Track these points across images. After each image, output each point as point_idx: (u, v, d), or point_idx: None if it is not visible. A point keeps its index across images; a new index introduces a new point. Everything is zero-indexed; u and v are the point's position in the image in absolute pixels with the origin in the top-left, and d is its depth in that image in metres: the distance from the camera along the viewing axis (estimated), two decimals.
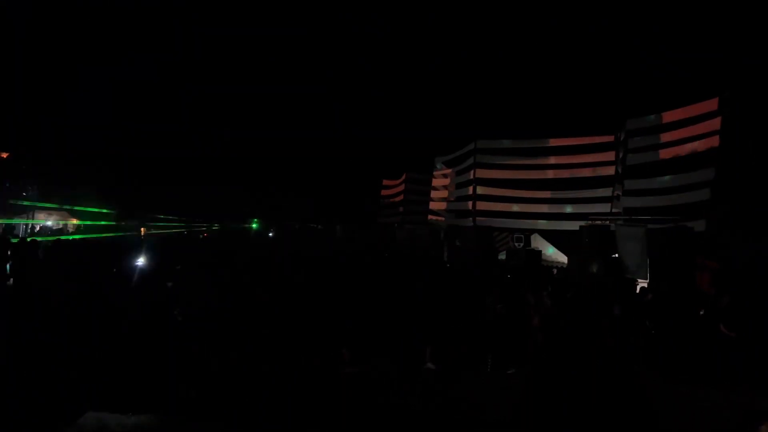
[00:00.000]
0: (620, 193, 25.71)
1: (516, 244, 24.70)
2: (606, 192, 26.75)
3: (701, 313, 13.86)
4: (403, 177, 42.32)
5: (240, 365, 9.07)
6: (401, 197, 42.01)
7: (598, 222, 20.56)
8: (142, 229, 43.79)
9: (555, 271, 23.22)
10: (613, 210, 25.59)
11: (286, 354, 10.06)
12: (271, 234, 55.71)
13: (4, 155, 39.46)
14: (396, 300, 12.64)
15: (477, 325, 11.90)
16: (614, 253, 19.30)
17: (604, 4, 24.76)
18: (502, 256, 26.20)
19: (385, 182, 46.03)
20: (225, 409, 7.49)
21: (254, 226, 57.09)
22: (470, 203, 31.46)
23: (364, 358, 11.36)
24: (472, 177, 31.28)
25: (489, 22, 30.28)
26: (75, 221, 41.94)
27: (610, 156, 27.53)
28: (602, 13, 25.35)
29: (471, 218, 30.83)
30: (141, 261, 14.46)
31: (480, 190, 30.97)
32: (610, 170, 27.37)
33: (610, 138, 27.48)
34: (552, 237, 28.62)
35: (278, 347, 10.11)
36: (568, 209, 27.87)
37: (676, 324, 12.92)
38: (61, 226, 35.51)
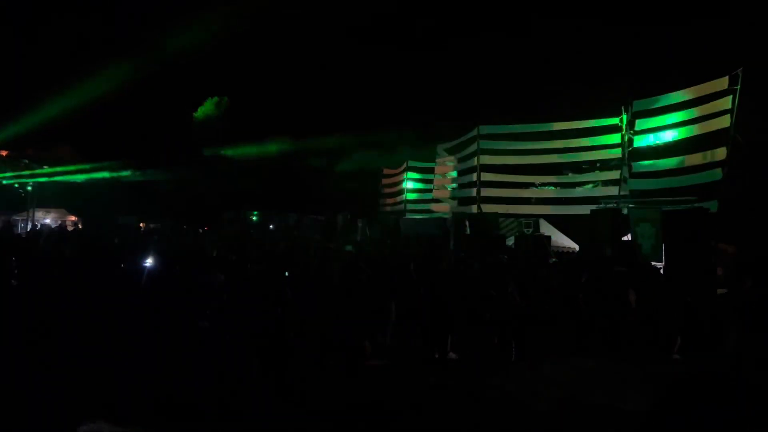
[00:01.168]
0: (627, 176, 25.46)
1: (525, 230, 24.42)
2: (614, 175, 26.48)
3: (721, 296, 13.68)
4: (404, 165, 41.95)
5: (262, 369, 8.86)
6: (402, 186, 41.69)
7: (610, 205, 20.30)
8: (141, 224, 43.47)
9: (554, 258, 22.99)
10: (621, 193, 25.32)
11: (309, 350, 9.84)
12: (271, 227, 55.38)
13: (4, 153, 39.04)
14: (412, 291, 12.44)
15: (496, 313, 11.69)
16: (626, 237, 19.08)
17: None
18: (510, 241, 25.94)
19: (386, 171, 45.62)
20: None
21: (254, 218, 56.62)
22: (474, 190, 31.16)
23: (387, 351, 11.16)
24: (475, 163, 30.96)
25: (489, 4, 29.85)
26: (73, 218, 41.69)
27: (615, 138, 27.23)
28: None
29: (476, 205, 30.53)
30: (148, 261, 13.95)
31: (484, 176, 30.67)
32: (617, 153, 27.09)
33: (615, 120, 27.16)
34: (559, 222, 28.40)
35: (301, 343, 9.89)
36: (576, 193, 27.62)
37: (699, 308, 12.73)
38: (59, 224, 35.19)
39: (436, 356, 11.23)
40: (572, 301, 12.34)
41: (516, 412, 8.18)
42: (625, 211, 19.44)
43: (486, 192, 30.48)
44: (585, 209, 26.54)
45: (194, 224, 46.83)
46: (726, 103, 19.71)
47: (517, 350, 11.18)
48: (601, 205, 20.59)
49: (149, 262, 13.51)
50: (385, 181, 45.14)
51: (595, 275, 12.97)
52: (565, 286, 12.74)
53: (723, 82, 20.01)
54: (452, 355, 11.26)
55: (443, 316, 11.35)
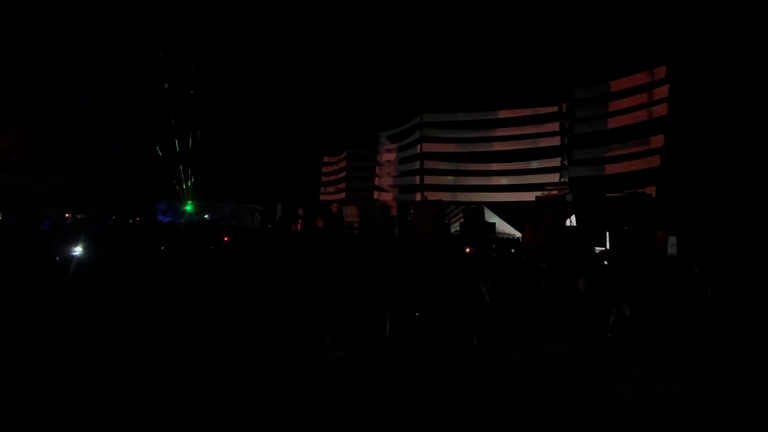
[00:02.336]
0: (567, 163, 25.95)
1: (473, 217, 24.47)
2: (554, 162, 26.91)
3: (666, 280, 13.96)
4: (345, 153, 41.53)
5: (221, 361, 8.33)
6: (344, 174, 41.24)
7: (554, 192, 20.58)
8: (67, 215, 41.59)
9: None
10: (562, 180, 25.78)
11: (265, 342, 9.35)
12: (207, 216, 53.75)
13: None
14: (368, 279, 12.09)
15: (462, 302, 11.49)
16: (570, 223, 19.40)
17: None
18: (455, 228, 26.01)
19: (326, 159, 45.07)
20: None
21: (188, 209, 54.80)
22: (417, 178, 31.09)
23: (348, 342, 10.77)
24: (418, 151, 30.88)
25: None
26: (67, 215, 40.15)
27: (554, 126, 27.70)
28: None
29: (419, 193, 30.47)
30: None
31: (427, 164, 30.63)
32: (556, 140, 27.56)
33: (555, 108, 27.62)
34: (500, 209, 28.66)
35: (258, 335, 9.38)
36: (516, 180, 27.94)
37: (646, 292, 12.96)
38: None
39: (403, 346, 10.93)
40: (535, 288, 12.32)
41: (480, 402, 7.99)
42: (569, 198, 19.70)
43: (429, 180, 30.45)
44: (528, 196, 26.98)
45: (125, 215, 44.94)
46: (664, 91, 20.25)
47: (479, 336, 11.02)
48: (545, 192, 20.77)
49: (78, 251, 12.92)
50: (325, 168, 44.59)
51: (553, 263, 13.02)
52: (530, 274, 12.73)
53: (661, 71, 20.56)
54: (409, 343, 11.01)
55: (409, 304, 11.06)
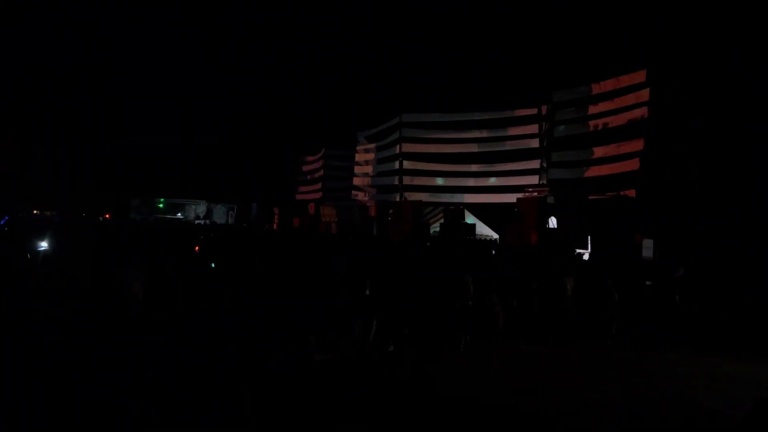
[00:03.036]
0: (546, 165, 26.01)
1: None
2: (533, 164, 26.95)
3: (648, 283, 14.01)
4: (322, 152, 41.16)
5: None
6: (321, 173, 40.87)
7: (535, 194, 20.55)
8: (35, 210, 40.71)
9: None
10: (541, 182, 25.82)
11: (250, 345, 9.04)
12: (180, 215, 52.92)
13: None
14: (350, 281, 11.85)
15: (449, 307, 11.30)
16: (551, 225, 19.39)
17: None
18: (435, 229, 25.91)
19: (302, 158, 44.66)
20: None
21: (160, 206, 53.90)
22: (396, 178, 30.91)
23: (332, 345, 10.51)
24: (398, 151, 30.70)
25: None
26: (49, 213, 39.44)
27: (534, 129, 27.74)
28: None
29: (398, 193, 30.29)
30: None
31: (406, 164, 30.47)
32: (535, 143, 27.60)
33: (534, 111, 27.65)
34: (478, 211, 28.63)
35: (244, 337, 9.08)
36: (497, 182, 27.93)
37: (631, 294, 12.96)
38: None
39: (390, 349, 10.70)
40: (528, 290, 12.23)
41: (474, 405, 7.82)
42: (550, 200, 19.69)
43: (408, 180, 30.29)
44: (507, 198, 26.97)
45: (94, 211, 43.98)
46: (644, 95, 20.36)
47: (470, 339, 10.85)
48: (526, 194, 20.73)
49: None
50: (304, 167, 44.17)
51: (538, 264, 12.96)
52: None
53: (641, 75, 20.67)
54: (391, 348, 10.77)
55: (399, 306, 10.84)
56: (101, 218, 42.34)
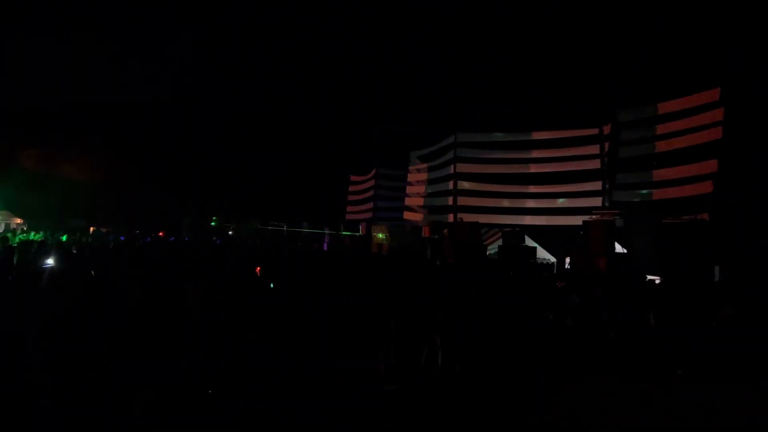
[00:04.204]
0: (608, 187, 25.14)
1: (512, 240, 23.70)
2: (596, 186, 26.08)
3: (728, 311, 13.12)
4: (373, 172, 41.00)
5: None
6: (371, 193, 40.66)
7: (603, 216, 19.73)
8: (91, 228, 41.35)
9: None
10: (605, 204, 24.94)
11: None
12: (230, 233, 53.48)
13: None
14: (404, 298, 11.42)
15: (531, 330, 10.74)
16: (619, 249, 18.56)
17: None
18: (493, 249, 25.31)
19: (353, 178, 44.59)
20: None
21: (213, 224, 54.68)
22: (450, 198, 30.42)
23: (404, 375, 10.03)
24: (452, 171, 30.24)
25: (465, 11, 29.18)
26: (19, 220, 39.50)
27: (595, 149, 26.95)
28: (588, 4, 24.52)
29: (452, 214, 29.77)
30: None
31: (461, 184, 29.97)
32: (596, 164, 26.78)
33: (595, 131, 26.88)
34: (534, 233, 27.87)
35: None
36: (558, 203, 27.15)
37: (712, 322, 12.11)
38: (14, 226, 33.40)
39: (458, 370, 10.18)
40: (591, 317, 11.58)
41: None
42: (619, 223, 18.88)
43: (463, 201, 29.75)
44: (566, 220, 26.17)
45: (148, 229, 44.68)
46: (718, 114, 19.45)
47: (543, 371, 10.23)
48: (593, 217, 19.93)
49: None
50: (352, 188, 44.08)
51: (608, 291, 12.25)
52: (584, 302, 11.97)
53: (714, 94, 19.78)
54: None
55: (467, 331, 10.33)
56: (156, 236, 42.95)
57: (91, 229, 41.71)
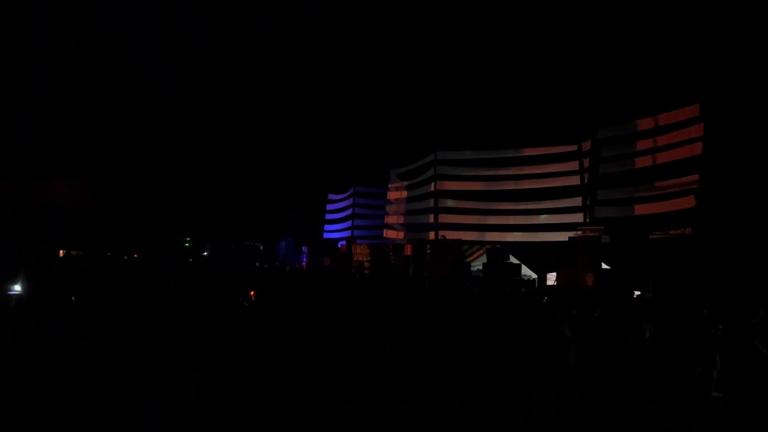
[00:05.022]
0: (589, 203, 25.27)
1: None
2: (576, 202, 26.18)
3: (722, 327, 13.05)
4: (351, 191, 40.77)
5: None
6: (350, 212, 40.39)
7: (588, 233, 19.69)
8: (61, 251, 40.07)
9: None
10: (586, 220, 25.02)
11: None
12: (205, 254, 52.60)
13: None
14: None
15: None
16: (606, 265, 18.55)
17: (569, 11, 24.20)
18: (476, 266, 25.26)
19: (331, 196, 44.28)
20: None
21: (186, 245, 53.78)
22: (432, 216, 30.28)
23: (410, 393, 9.66)
24: (433, 189, 30.15)
25: (445, 28, 29.36)
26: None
27: (574, 166, 27.08)
28: (566, 23, 24.81)
29: (433, 232, 29.62)
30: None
31: (441, 202, 29.87)
32: (576, 180, 26.90)
33: (573, 147, 27.04)
34: (515, 250, 27.83)
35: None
36: (539, 220, 27.18)
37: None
38: None
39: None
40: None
41: None
42: (605, 239, 18.88)
43: (444, 218, 29.64)
44: (547, 236, 26.19)
45: (123, 251, 43.54)
46: (698, 130, 19.70)
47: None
48: (578, 232, 19.91)
49: None
50: (330, 206, 43.75)
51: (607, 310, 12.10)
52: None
53: (694, 110, 20.03)
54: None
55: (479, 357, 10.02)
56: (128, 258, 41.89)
57: (61, 252, 40.51)
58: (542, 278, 25.97)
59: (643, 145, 22.22)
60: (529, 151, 28.59)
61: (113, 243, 42.59)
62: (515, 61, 28.15)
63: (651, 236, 16.87)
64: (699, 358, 10.68)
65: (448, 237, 27.01)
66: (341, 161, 43.28)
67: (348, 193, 41.15)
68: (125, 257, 42.14)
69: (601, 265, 18.17)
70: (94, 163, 44.58)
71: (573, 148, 27.12)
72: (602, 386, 9.90)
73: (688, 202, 19.73)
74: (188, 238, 52.34)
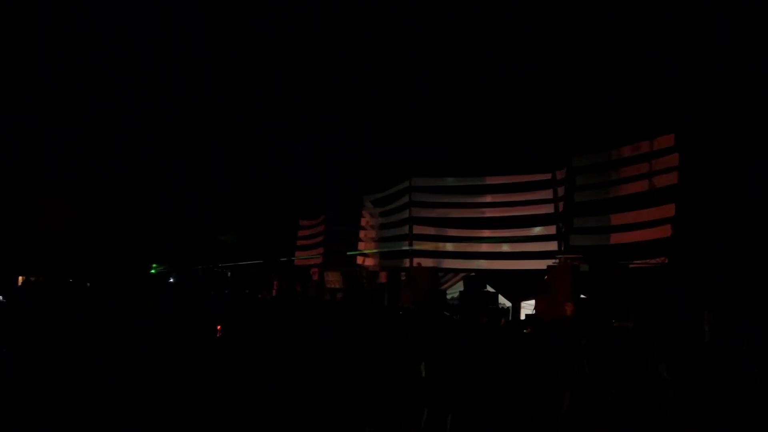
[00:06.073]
0: (564, 231, 25.25)
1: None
2: (550, 230, 26.16)
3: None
4: (323, 216, 40.24)
5: None
6: (322, 238, 39.80)
7: (567, 261, 19.58)
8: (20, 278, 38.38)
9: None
10: (561, 248, 24.96)
11: None
12: (171, 280, 51.20)
13: None
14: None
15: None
16: (584, 294, 18.41)
17: (543, 34, 24.42)
18: (452, 293, 24.99)
19: (302, 222, 43.65)
20: None
21: (153, 271, 52.32)
22: (406, 243, 29.97)
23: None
24: (408, 216, 29.89)
25: (417, 55, 29.33)
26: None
27: (548, 194, 27.11)
28: (540, 47, 24.99)
29: (408, 259, 29.28)
30: None
31: (417, 229, 29.62)
32: (549, 208, 26.91)
33: (548, 176, 27.10)
34: (491, 279, 27.68)
35: None
36: (512, 248, 27.05)
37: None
38: None
39: None
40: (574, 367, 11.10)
41: None
42: (584, 268, 18.76)
43: (419, 245, 29.34)
44: (522, 264, 26.08)
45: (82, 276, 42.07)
46: (674, 160, 19.86)
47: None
48: (558, 260, 19.80)
49: None
50: (301, 232, 43.08)
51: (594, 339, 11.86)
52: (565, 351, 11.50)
53: (669, 139, 20.22)
54: None
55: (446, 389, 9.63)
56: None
57: (20, 279, 38.89)
58: (516, 307, 25.79)
59: (618, 173, 22.33)
60: (503, 179, 28.56)
61: (74, 269, 41.06)
62: (490, 90, 28.16)
63: (631, 265, 16.76)
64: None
65: (423, 264, 26.70)
66: (313, 187, 42.68)
67: (320, 219, 40.62)
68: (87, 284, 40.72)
69: (580, 294, 18.02)
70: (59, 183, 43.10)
71: (547, 176, 27.17)
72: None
73: (664, 232, 19.76)
74: (154, 265, 50.93)
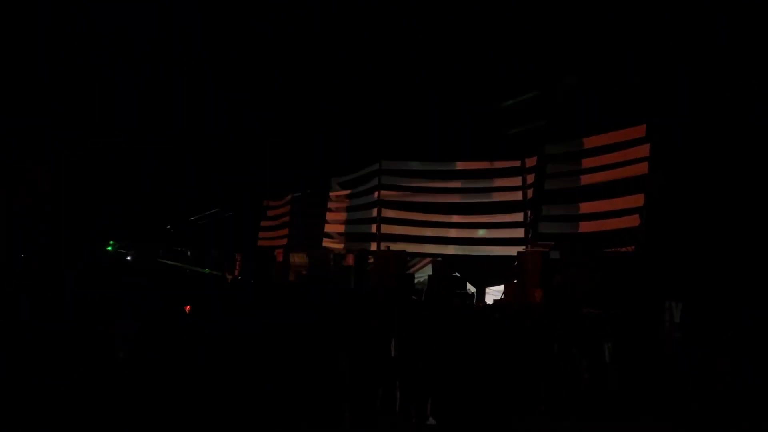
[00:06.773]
0: (531, 219, 25.32)
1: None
2: (517, 217, 26.22)
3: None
4: (288, 197, 39.57)
5: None
6: (287, 219, 39.16)
7: (538, 248, 19.56)
8: None
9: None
10: (529, 236, 25.05)
11: None
12: (129, 258, 49.90)
13: None
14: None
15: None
16: (556, 281, 18.43)
17: (518, 23, 24.31)
18: (419, 277, 24.87)
19: (267, 203, 42.90)
20: None
21: (109, 248, 50.89)
22: (374, 226, 29.65)
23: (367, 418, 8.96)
24: (376, 198, 29.56)
25: (390, 33, 28.93)
26: None
27: (516, 181, 27.15)
28: (514, 36, 24.88)
29: (375, 242, 29.01)
30: None
31: (385, 212, 29.31)
32: (518, 195, 26.96)
33: (517, 163, 27.12)
34: (458, 264, 27.62)
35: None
36: (480, 234, 27.02)
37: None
38: None
39: (413, 421, 9.23)
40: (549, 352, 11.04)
41: None
42: (554, 255, 18.77)
43: (387, 229, 29.07)
44: (491, 250, 26.10)
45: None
46: (644, 150, 19.97)
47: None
48: (528, 247, 19.76)
49: None
50: (268, 213, 42.34)
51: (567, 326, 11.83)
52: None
53: (640, 130, 20.31)
54: (431, 420, 9.33)
55: (423, 374, 9.42)
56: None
57: None
58: (481, 293, 25.79)
59: (589, 163, 22.40)
60: (472, 165, 28.48)
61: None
62: (465, 78, 27.99)
63: (602, 253, 16.81)
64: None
65: (391, 248, 26.46)
66: (279, 167, 41.88)
67: (286, 200, 39.95)
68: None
69: (549, 281, 18.03)
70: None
71: (516, 163, 27.19)
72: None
73: (632, 221, 19.91)
74: (111, 242, 49.56)
